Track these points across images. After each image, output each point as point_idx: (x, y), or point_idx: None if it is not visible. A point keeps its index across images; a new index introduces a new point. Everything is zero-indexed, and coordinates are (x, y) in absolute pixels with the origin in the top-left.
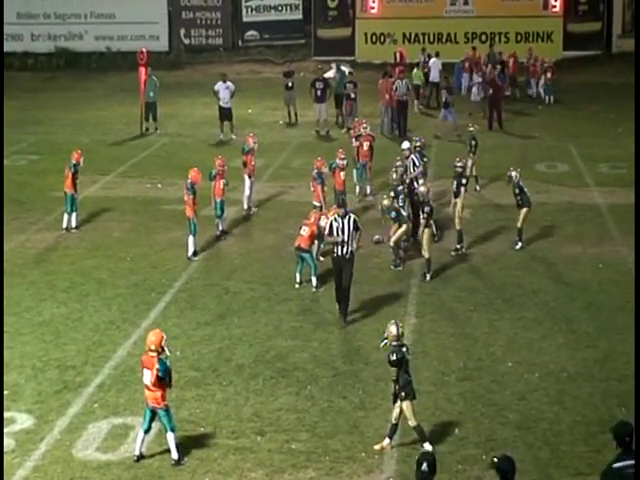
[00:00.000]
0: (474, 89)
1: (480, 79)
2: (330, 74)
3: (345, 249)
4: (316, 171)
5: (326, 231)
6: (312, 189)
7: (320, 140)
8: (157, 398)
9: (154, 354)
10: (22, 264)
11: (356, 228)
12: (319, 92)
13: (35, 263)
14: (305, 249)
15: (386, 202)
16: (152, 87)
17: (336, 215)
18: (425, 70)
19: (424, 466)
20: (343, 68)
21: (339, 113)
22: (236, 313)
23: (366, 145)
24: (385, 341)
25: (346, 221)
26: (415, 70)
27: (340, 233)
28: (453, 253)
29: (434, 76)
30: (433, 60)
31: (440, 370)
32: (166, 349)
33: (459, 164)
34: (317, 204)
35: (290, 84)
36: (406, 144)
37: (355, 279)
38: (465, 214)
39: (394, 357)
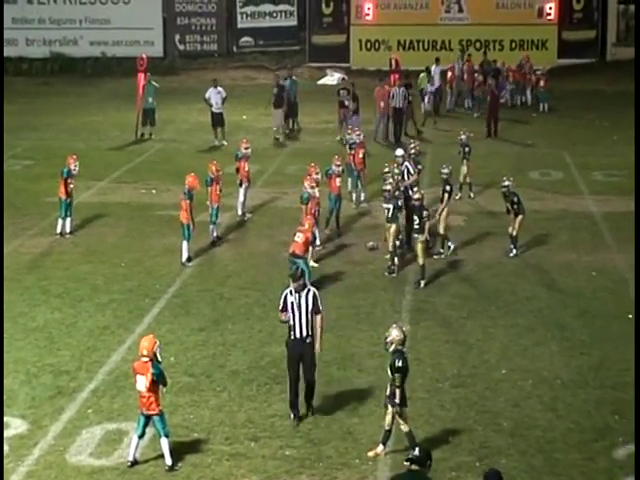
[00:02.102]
0: (425, 98)
1: (432, 88)
2: (325, 80)
3: (305, 331)
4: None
5: (280, 307)
6: None
7: (315, 146)
8: (151, 404)
9: (147, 359)
10: (16, 269)
11: (316, 309)
12: (273, 98)
13: (29, 268)
14: (300, 255)
15: (389, 187)
16: (151, 93)
17: (292, 289)
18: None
19: (416, 451)
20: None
21: (288, 121)
22: (230, 319)
23: (361, 153)
24: (392, 346)
25: (304, 296)
26: (422, 75)
27: (296, 310)
28: (436, 257)
29: (435, 82)
30: (434, 67)
31: (434, 377)
32: (159, 356)
33: (445, 171)
34: None
35: None
36: (400, 151)
37: (349, 285)
38: (459, 221)
39: (400, 363)
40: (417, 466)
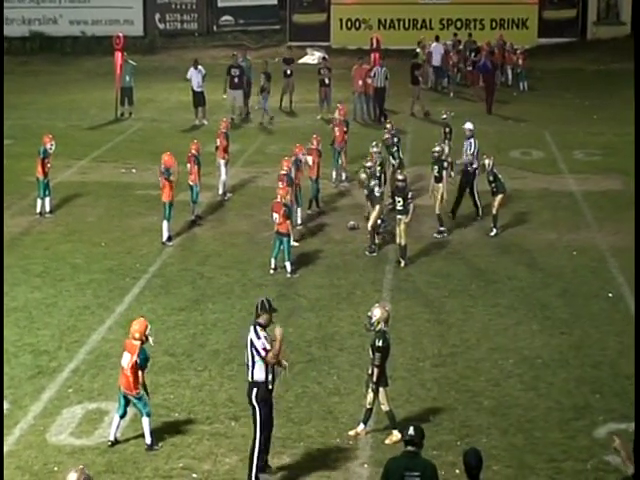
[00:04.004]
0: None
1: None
2: (306, 59)
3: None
4: (294, 158)
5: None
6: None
7: (296, 125)
8: (129, 384)
9: (137, 342)
10: None
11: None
12: (236, 79)
13: (9, 248)
14: (285, 233)
15: (363, 175)
16: (129, 71)
17: (258, 324)
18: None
19: (411, 430)
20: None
21: (246, 102)
22: (210, 298)
23: (337, 130)
24: (380, 324)
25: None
26: (418, 50)
27: (250, 350)
28: (438, 236)
29: (435, 60)
30: (434, 45)
31: (415, 356)
32: (150, 338)
33: (437, 149)
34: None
35: (289, 71)
36: (469, 124)
37: (330, 265)
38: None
39: (380, 343)
40: (413, 447)
